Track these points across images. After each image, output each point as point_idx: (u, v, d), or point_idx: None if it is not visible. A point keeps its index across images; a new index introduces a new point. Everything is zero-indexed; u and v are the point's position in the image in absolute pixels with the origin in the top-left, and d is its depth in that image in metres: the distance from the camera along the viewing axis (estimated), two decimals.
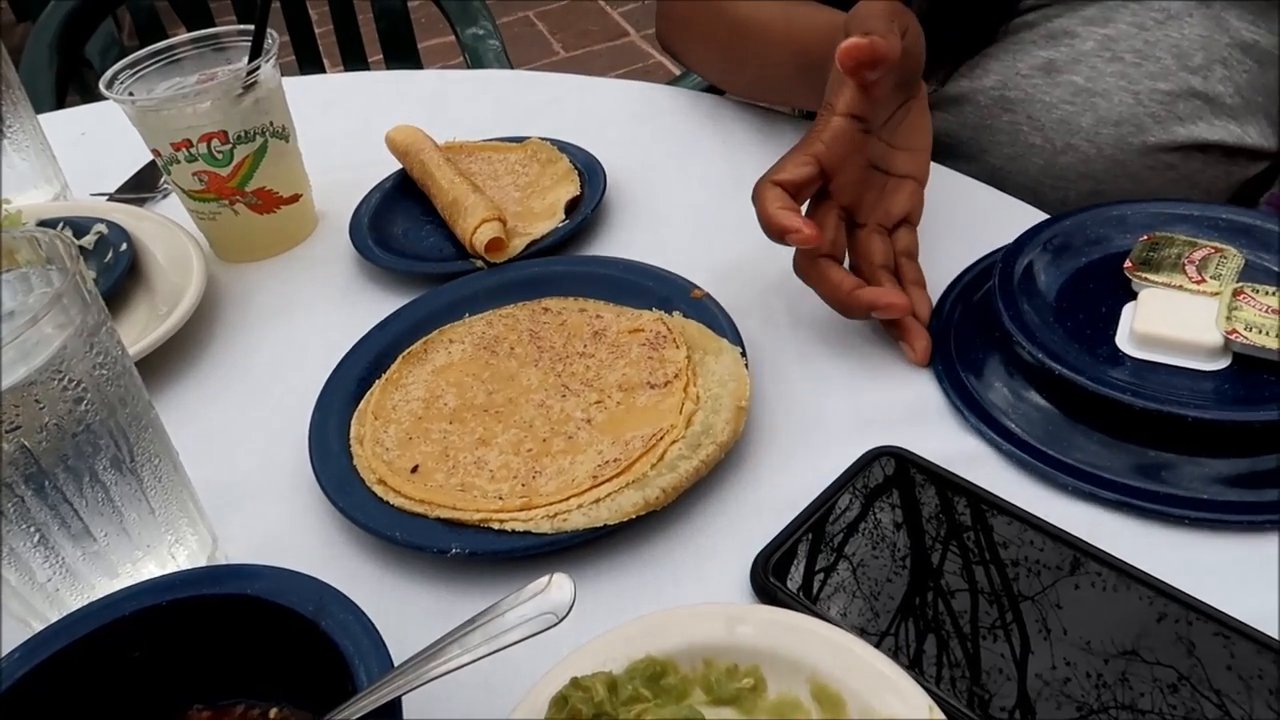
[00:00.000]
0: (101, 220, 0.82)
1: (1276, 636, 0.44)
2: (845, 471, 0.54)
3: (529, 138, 0.90)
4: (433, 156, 0.85)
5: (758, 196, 0.60)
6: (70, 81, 1.54)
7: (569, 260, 0.75)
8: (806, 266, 0.62)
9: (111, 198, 0.93)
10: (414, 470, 0.58)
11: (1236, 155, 0.77)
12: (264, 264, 0.83)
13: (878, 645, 0.45)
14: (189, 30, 1.66)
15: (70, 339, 0.44)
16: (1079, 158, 0.78)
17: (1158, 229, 0.63)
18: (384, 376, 0.66)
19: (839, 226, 0.63)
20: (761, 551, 0.51)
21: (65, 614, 0.44)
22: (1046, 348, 0.56)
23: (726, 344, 0.62)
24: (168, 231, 0.82)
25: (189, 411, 0.68)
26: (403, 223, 0.84)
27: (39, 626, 0.45)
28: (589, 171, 0.84)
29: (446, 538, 0.53)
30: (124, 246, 0.79)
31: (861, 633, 0.47)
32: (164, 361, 0.71)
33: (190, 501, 0.54)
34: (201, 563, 0.54)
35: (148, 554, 0.51)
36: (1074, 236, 0.65)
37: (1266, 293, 0.57)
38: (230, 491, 0.60)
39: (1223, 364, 0.55)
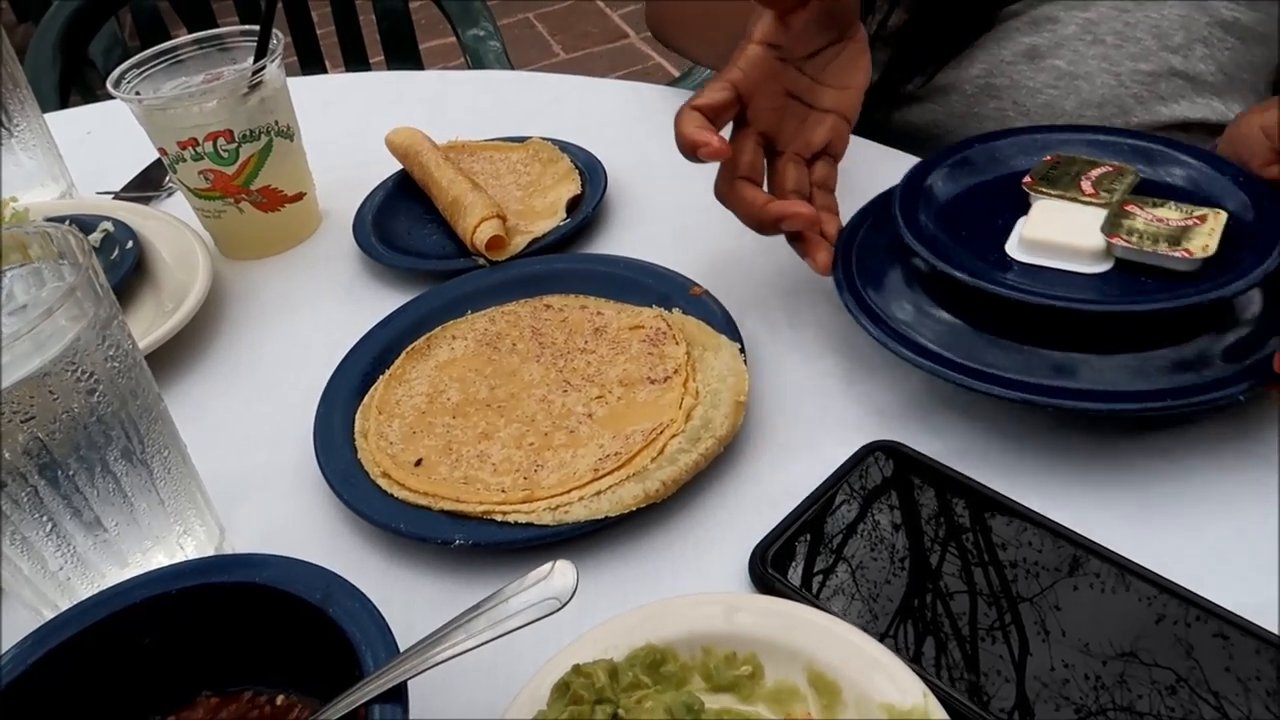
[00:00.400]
0: (107, 218, 0.83)
1: (1275, 630, 0.44)
2: (842, 465, 0.55)
3: (530, 138, 0.91)
4: (432, 157, 0.86)
5: (676, 120, 0.63)
6: (73, 82, 1.54)
7: (570, 258, 0.76)
8: (725, 188, 0.65)
9: (117, 196, 0.94)
10: (418, 464, 0.59)
11: (1221, 133, 0.78)
12: (268, 261, 0.84)
13: (874, 635, 0.46)
14: (190, 31, 1.68)
15: (84, 331, 0.45)
16: None
17: (1064, 151, 0.65)
18: (388, 372, 0.67)
19: (756, 151, 0.65)
20: (760, 543, 0.52)
21: (76, 602, 0.45)
22: (934, 248, 0.58)
23: (725, 340, 0.63)
24: (173, 229, 0.83)
25: (196, 406, 0.69)
26: (405, 221, 0.85)
27: (50, 614, 0.46)
28: (590, 171, 0.85)
29: (450, 529, 0.54)
30: (130, 244, 0.80)
31: (857, 622, 0.47)
32: (170, 357, 0.72)
33: (198, 493, 0.55)
34: (209, 553, 0.55)
35: (157, 544, 0.52)
36: (982, 157, 0.66)
37: (1155, 204, 0.58)
38: (236, 484, 0.61)
39: (1104, 267, 0.57)
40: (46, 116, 0.97)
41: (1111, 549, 0.48)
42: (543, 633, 0.41)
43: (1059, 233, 0.58)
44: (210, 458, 0.57)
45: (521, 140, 0.91)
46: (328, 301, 0.79)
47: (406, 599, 0.53)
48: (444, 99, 1.08)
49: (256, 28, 0.80)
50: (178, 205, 0.89)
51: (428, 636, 0.40)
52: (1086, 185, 0.61)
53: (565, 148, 0.88)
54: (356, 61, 1.68)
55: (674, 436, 0.57)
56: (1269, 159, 0.57)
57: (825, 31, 0.65)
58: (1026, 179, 0.63)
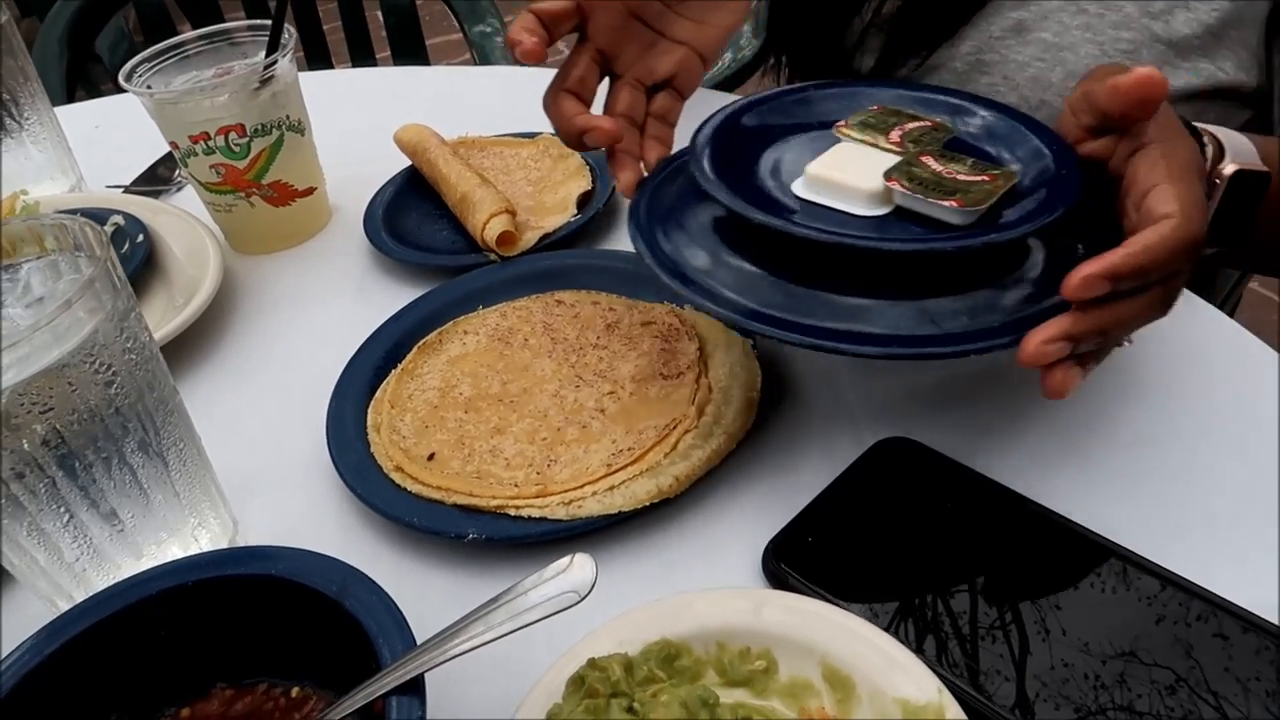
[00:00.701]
0: (118, 212, 0.83)
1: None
2: (856, 461, 0.55)
3: (540, 133, 0.91)
4: (440, 153, 0.86)
5: (548, 105, 0.64)
6: (80, 74, 1.55)
7: (582, 253, 0.76)
8: (548, 97, 0.65)
9: (127, 190, 0.94)
10: (430, 458, 0.59)
11: (1213, 98, 0.77)
12: (279, 256, 0.84)
13: (887, 630, 0.46)
14: (195, 27, 1.68)
15: (102, 323, 0.45)
16: (1052, 113, 0.78)
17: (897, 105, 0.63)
18: (400, 366, 0.67)
19: (589, 67, 0.65)
20: (773, 538, 0.52)
21: (91, 593, 0.45)
22: (714, 180, 0.56)
23: (737, 336, 0.63)
24: (184, 223, 0.83)
25: (208, 400, 0.69)
26: (416, 216, 0.85)
27: (65, 606, 0.46)
28: (600, 166, 0.85)
29: (463, 523, 0.54)
30: (140, 238, 0.80)
31: (871, 617, 0.47)
32: (182, 351, 0.73)
33: (212, 486, 0.55)
34: (223, 545, 0.55)
35: (172, 536, 0.52)
36: (808, 105, 0.64)
37: (952, 159, 0.57)
38: (249, 478, 0.61)
39: (881, 211, 0.55)
40: (55, 111, 0.97)
41: (1130, 548, 0.48)
42: (556, 627, 0.41)
43: (842, 173, 0.56)
44: (223, 451, 0.58)
45: (531, 136, 0.91)
46: (339, 296, 0.79)
47: (419, 592, 0.53)
48: (452, 95, 1.08)
49: (266, 22, 0.80)
50: (187, 199, 0.89)
51: (445, 629, 0.40)
52: (895, 135, 0.59)
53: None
54: (363, 58, 1.68)
55: (687, 432, 0.57)
56: (1077, 136, 0.56)
57: None
58: (841, 123, 0.61)
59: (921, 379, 0.61)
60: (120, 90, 0.81)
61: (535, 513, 0.54)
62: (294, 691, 0.47)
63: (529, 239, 0.78)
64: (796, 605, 0.47)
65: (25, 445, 0.44)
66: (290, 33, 0.80)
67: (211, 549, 0.54)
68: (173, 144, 0.79)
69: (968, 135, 0.61)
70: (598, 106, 0.66)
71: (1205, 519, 0.51)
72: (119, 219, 0.82)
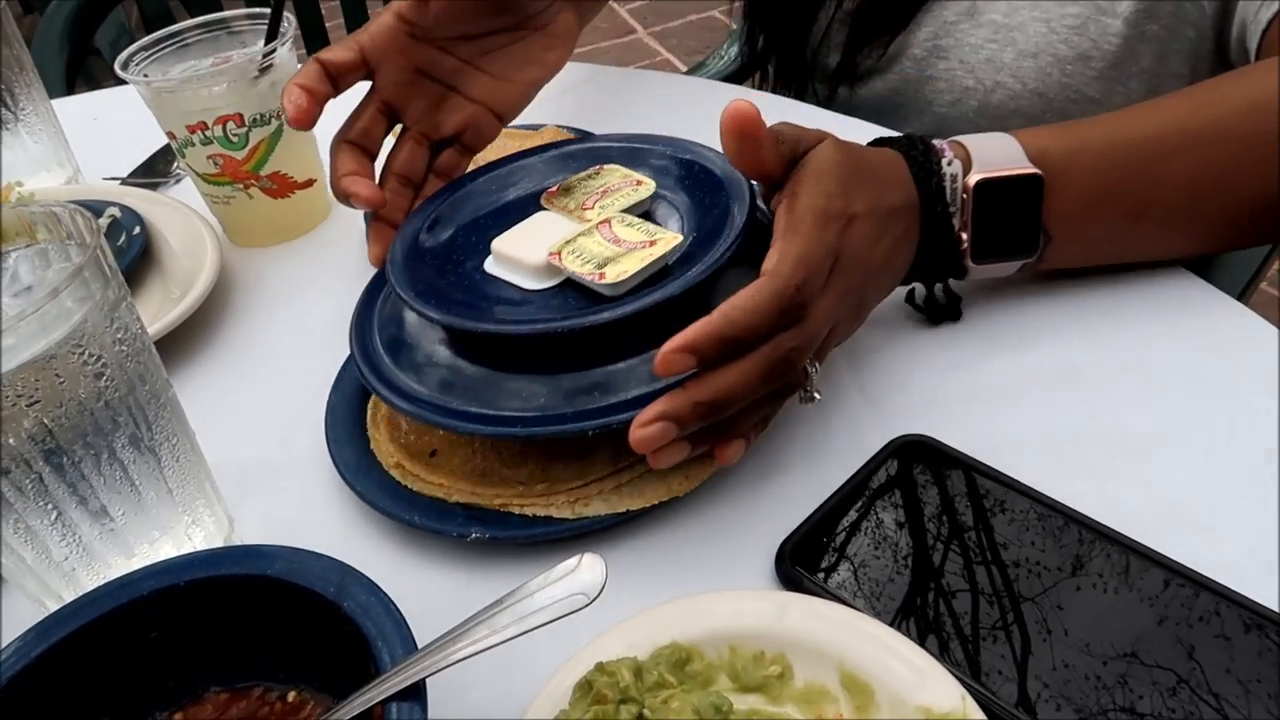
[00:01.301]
0: (115, 204, 0.82)
1: None
2: (871, 459, 0.53)
3: (544, 125, 0.89)
4: None
5: (331, 154, 0.66)
6: (80, 68, 1.53)
7: None
8: (332, 148, 0.66)
9: (124, 182, 0.93)
10: (432, 454, 0.57)
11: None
12: (277, 249, 0.83)
13: (905, 633, 0.44)
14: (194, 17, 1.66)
15: (91, 313, 0.43)
16: (1008, 94, 0.79)
17: (620, 161, 0.63)
18: None
19: (375, 119, 0.66)
20: (786, 538, 0.50)
21: (81, 593, 0.43)
22: (401, 265, 0.57)
23: None
24: (181, 215, 0.81)
25: (203, 394, 0.67)
26: None
27: (54, 606, 0.45)
28: None
29: (466, 522, 0.53)
30: (137, 230, 0.79)
31: (887, 620, 0.46)
32: (178, 344, 0.71)
33: (207, 482, 0.53)
34: (218, 544, 0.53)
35: (164, 534, 0.50)
36: (533, 171, 0.65)
37: (629, 224, 0.57)
38: (245, 474, 0.59)
39: (553, 283, 0.56)
40: (53, 102, 0.95)
41: (1154, 547, 0.47)
42: (562, 630, 0.39)
43: (518, 248, 0.57)
44: (218, 447, 0.56)
45: (535, 128, 0.89)
46: (338, 289, 0.77)
47: (420, 593, 0.51)
48: None
49: (265, 11, 0.78)
50: (185, 192, 0.87)
51: (448, 632, 0.39)
52: (593, 200, 0.60)
53: (580, 135, 0.86)
54: None
55: None
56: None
57: (486, 18, 0.65)
58: (550, 190, 0.62)
59: (939, 377, 0.59)
60: (120, 83, 0.80)
61: (540, 512, 0.53)
62: (290, 695, 0.45)
63: None
64: (813, 608, 0.45)
65: (11, 440, 0.42)
66: (289, 21, 0.78)
67: (206, 547, 0.52)
68: (170, 134, 0.78)
69: (676, 189, 0.61)
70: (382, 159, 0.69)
71: (1231, 520, 0.49)
72: (115, 211, 0.81)
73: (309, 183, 0.82)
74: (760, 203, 0.57)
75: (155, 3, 1.62)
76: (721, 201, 0.57)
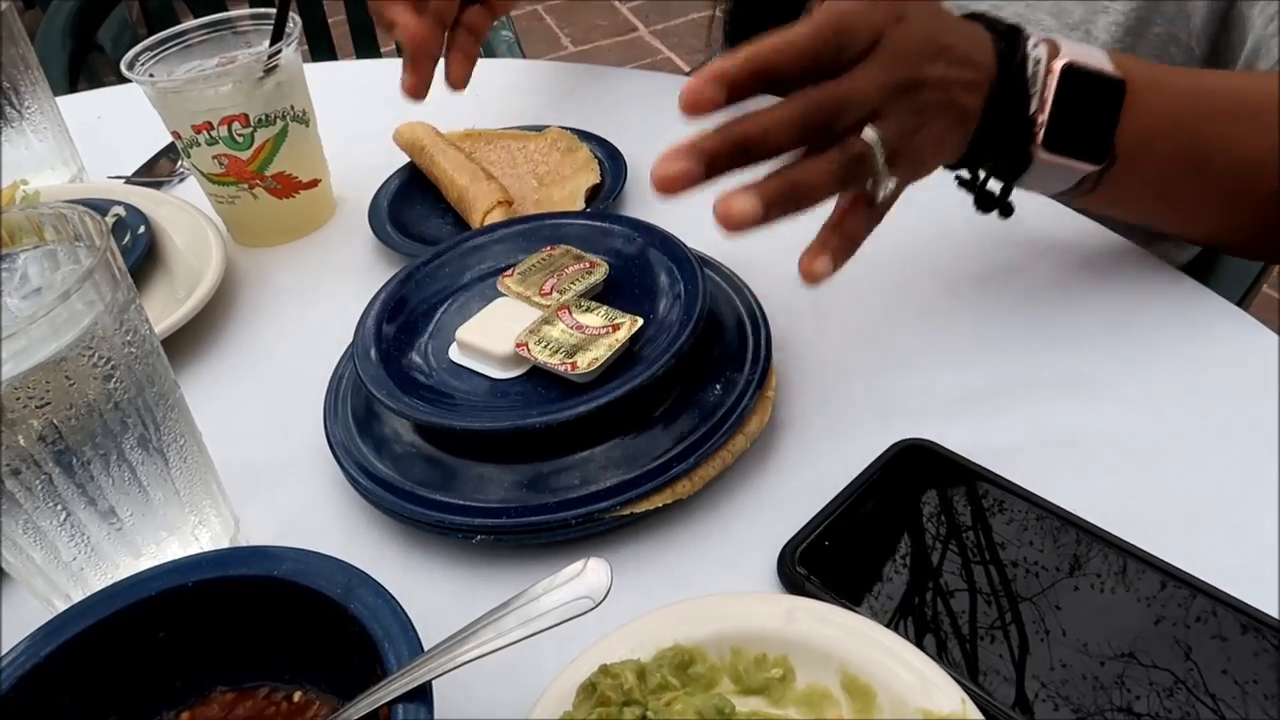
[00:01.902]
0: (120, 203, 0.82)
1: None
2: (873, 463, 0.54)
3: (548, 127, 0.89)
4: (437, 149, 0.84)
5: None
6: (83, 64, 1.53)
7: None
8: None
9: (129, 181, 0.93)
10: None
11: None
12: (282, 249, 0.83)
13: (907, 638, 0.44)
14: (198, 17, 1.67)
15: (101, 315, 0.43)
16: None
17: (574, 241, 0.65)
18: None
19: None
20: (789, 541, 0.50)
21: (89, 593, 0.44)
22: (371, 359, 0.58)
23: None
24: (186, 215, 0.81)
25: (209, 394, 0.68)
26: (421, 208, 0.84)
27: (62, 605, 0.45)
28: (609, 160, 0.83)
29: (472, 522, 0.53)
30: (142, 229, 0.79)
31: (890, 624, 0.46)
32: (183, 344, 0.71)
33: (213, 482, 0.53)
34: (224, 544, 0.54)
35: (172, 534, 0.50)
36: (484, 251, 0.67)
37: (587, 309, 0.58)
38: (252, 474, 0.60)
39: (519, 372, 0.57)
40: (58, 100, 0.96)
41: (1154, 553, 0.47)
42: (566, 632, 0.40)
43: (483, 337, 0.58)
44: (224, 447, 0.56)
45: (539, 129, 0.90)
46: (342, 289, 0.77)
47: (425, 593, 0.52)
48: None
49: (270, 11, 0.79)
50: (189, 191, 0.88)
51: (454, 635, 0.39)
52: (549, 285, 0.61)
53: (584, 137, 0.87)
54: (368, 50, 1.67)
55: None
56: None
57: None
58: (505, 274, 0.63)
59: (941, 380, 0.60)
60: (123, 81, 0.80)
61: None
62: (296, 696, 0.45)
63: None
64: (813, 610, 0.45)
65: (21, 441, 0.43)
66: (295, 21, 0.78)
67: (212, 548, 0.52)
68: (175, 134, 0.78)
69: (627, 267, 0.63)
70: None
71: (1230, 525, 0.50)
72: (120, 210, 0.81)
73: (314, 183, 0.83)
74: (709, 272, 0.62)
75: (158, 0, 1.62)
76: (672, 279, 0.60)
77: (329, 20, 1.67)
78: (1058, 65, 0.55)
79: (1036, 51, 0.55)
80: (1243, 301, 0.86)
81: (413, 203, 0.84)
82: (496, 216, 0.75)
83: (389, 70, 1.16)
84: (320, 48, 1.68)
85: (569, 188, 0.82)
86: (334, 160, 0.86)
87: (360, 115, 1.01)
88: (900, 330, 0.64)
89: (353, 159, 0.89)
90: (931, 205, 0.66)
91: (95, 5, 1.55)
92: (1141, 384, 0.57)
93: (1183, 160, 0.59)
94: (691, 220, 0.77)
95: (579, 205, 0.79)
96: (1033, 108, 0.55)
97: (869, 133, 0.48)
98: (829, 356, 0.63)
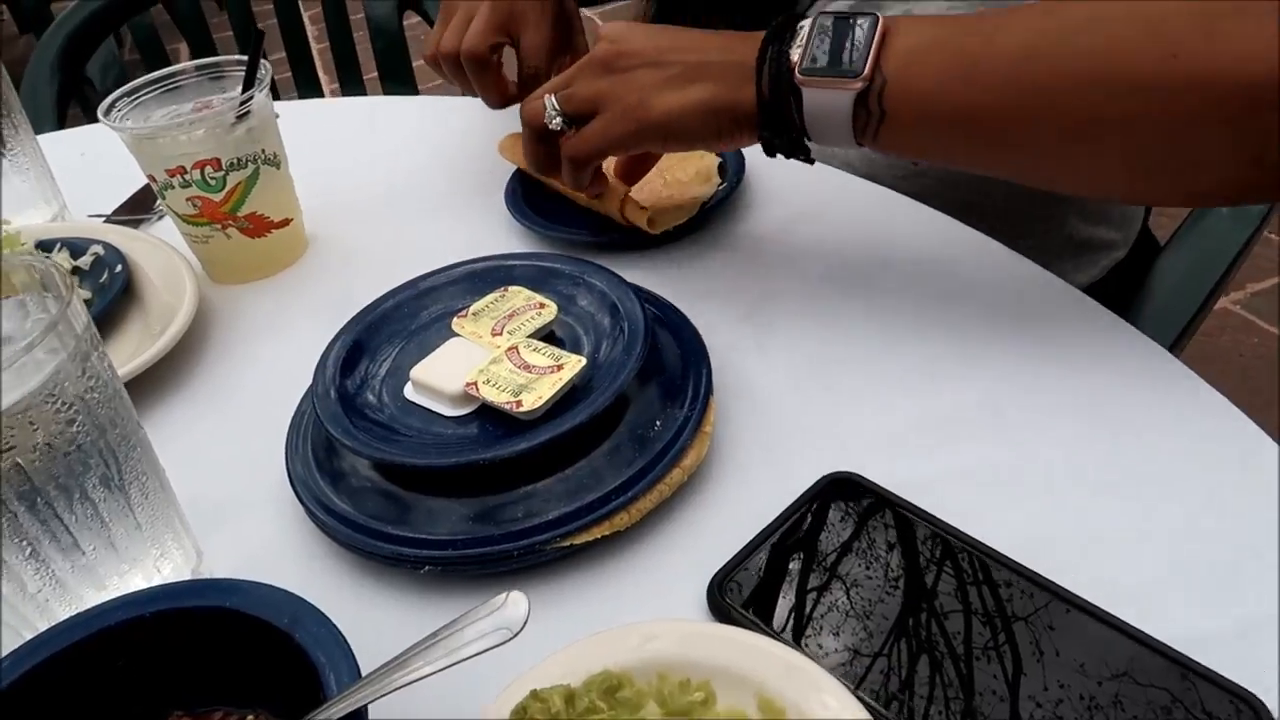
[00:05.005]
0: (98, 241, 0.85)
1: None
2: (801, 495, 0.57)
3: None
4: None
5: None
6: (72, 96, 1.57)
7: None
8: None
9: (108, 219, 0.96)
10: None
11: None
12: (255, 285, 0.86)
13: (825, 663, 0.47)
14: (189, 45, 1.70)
15: (64, 364, 0.46)
16: None
17: (525, 282, 0.68)
18: None
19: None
20: (718, 571, 0.53)
21: (54, 623, 0.46)
22: (330, 399, 0.62)
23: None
24: (161, 253, 0.85)
25: (178, 429, 0.71)
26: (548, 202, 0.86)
27: (29, 635, 0.48)
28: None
29: (420, 554, 0.56)
30: (119, 268, 0.82)
31: (810, 651, 0.49)
32: (155, 380, 0.74)
33: (176, 517, 0.56)
34: (186, 576, 0.56)
35: (134, 567, 0.53)
36: (441, 291, 0.70)
37: (535, 349, 0.62)
38: (216, 507, 0.63)
39: (467, 410, 0.61)
40: (41, 138, 0.99)
41: (1073, 590, 0.50)
42: (505, 657, 0.43)
43: (435, 377, 0.61)
44: (190, 481, 0.59)
45: None
46: (312, 326, 0.79)
47: (377, 621, 0.55)
48: (435, 121, 1.09)
49: (244, 58, 0.82)
50: (168, 228, 0.90)
51: (388, 662, 0.42)
52: (500, 324, 0.64)
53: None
54: (352, 82, 1.71)
55: None
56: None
57: None
58: (459, 314, 0.66)
59: (870, 416, 0.63)
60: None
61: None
62: (249, 718, 0.48)
63: (689, 206, 0.80)
64: (736, 638, 0.48)
65: None
66: (266, 68, 0.82)
67: (175, 579, 0.55)
68: (150, 177, 0.81)
69: (576, 307, 0.67)
70: None
71: (1166, 568, 0.52)
72: (99, 249, 0.84)
73: (285, 222, 0.86)
74: (654, 309, 0.66)
75: (146, 30, 1.66)
76: (615, 318, 0.63)
77: (314, 49, 1.71)
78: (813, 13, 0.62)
79: (825, 21, 0.61)
80: (1176, 345, 0.89)
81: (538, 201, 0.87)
82: (632, 211, 0.78)
83: (363, 107, 1.21)
84: (303, 79, 1.72)
85: (692, 169, 0.83)
86: (309, 197, 0.89)
87: (338, 152, 1.04)
88: (837, 365, 0.67)
89: (326, 195, 0.93)
90: (871, 244, 0.70)
91: (85, 38, 1.58)
92: (1062, 419, 0.60)
93: (950, 68, 0.59)
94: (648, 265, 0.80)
95: (715, 180, 0.82)
96: (794, 55, 0.61)
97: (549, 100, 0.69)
98: (768, 390, 0.66)
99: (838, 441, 0.61)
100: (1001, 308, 0.69)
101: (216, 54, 0.88)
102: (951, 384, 0.64)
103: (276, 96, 0.89)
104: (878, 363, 0.66)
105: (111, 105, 0.80)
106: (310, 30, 1.72)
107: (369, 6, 1.62)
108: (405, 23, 1.63)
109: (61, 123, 1.50)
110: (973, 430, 0.61)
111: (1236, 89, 0.51)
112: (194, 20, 1.69)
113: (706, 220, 0.81)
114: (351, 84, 1.73)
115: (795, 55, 0.61)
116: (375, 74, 1.67)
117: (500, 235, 0.86)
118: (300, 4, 1.73)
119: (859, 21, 0.60)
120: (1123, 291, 0.93)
